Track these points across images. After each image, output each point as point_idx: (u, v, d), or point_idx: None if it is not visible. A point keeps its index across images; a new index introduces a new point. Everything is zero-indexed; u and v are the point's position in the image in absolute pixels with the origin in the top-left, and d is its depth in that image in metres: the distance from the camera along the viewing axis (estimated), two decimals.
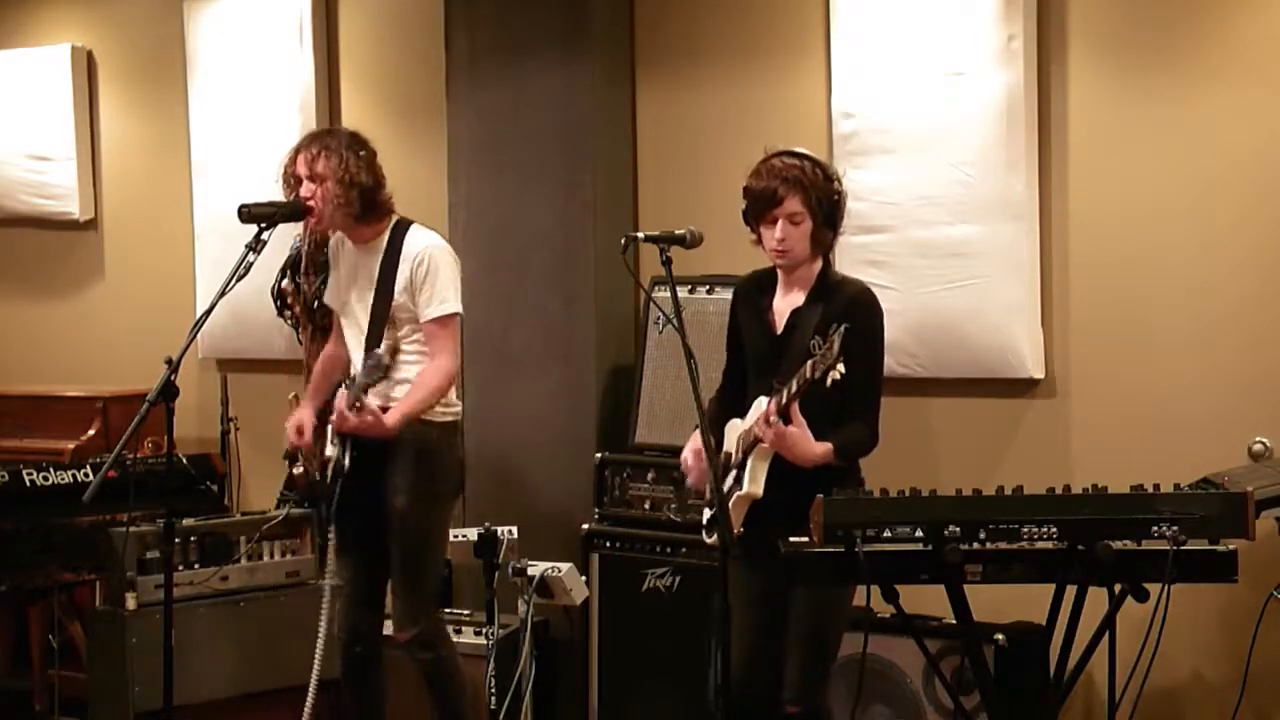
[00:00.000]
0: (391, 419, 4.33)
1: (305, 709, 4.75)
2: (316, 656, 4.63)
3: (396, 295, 4.43)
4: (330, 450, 4.51)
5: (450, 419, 4.54)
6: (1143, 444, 4.55)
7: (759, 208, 3.80)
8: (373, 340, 4.44)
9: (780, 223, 3.76)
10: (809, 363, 3.48)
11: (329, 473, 4.49)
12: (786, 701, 3.79)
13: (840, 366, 3.39)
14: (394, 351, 4.28)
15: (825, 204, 3.77)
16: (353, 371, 4.51)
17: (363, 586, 4.57)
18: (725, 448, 3.91)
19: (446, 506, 4.57)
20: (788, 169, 3.77)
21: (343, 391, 4.40)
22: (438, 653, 4.51)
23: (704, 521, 3.96)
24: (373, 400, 4.34)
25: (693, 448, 3.93)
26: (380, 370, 4.24)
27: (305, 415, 4.61)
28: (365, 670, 4.62)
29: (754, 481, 3.73)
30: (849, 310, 3.75)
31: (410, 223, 4.54)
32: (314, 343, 5.61)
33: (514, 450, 5.47)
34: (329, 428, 4.53)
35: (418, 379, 4.41)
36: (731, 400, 3.99)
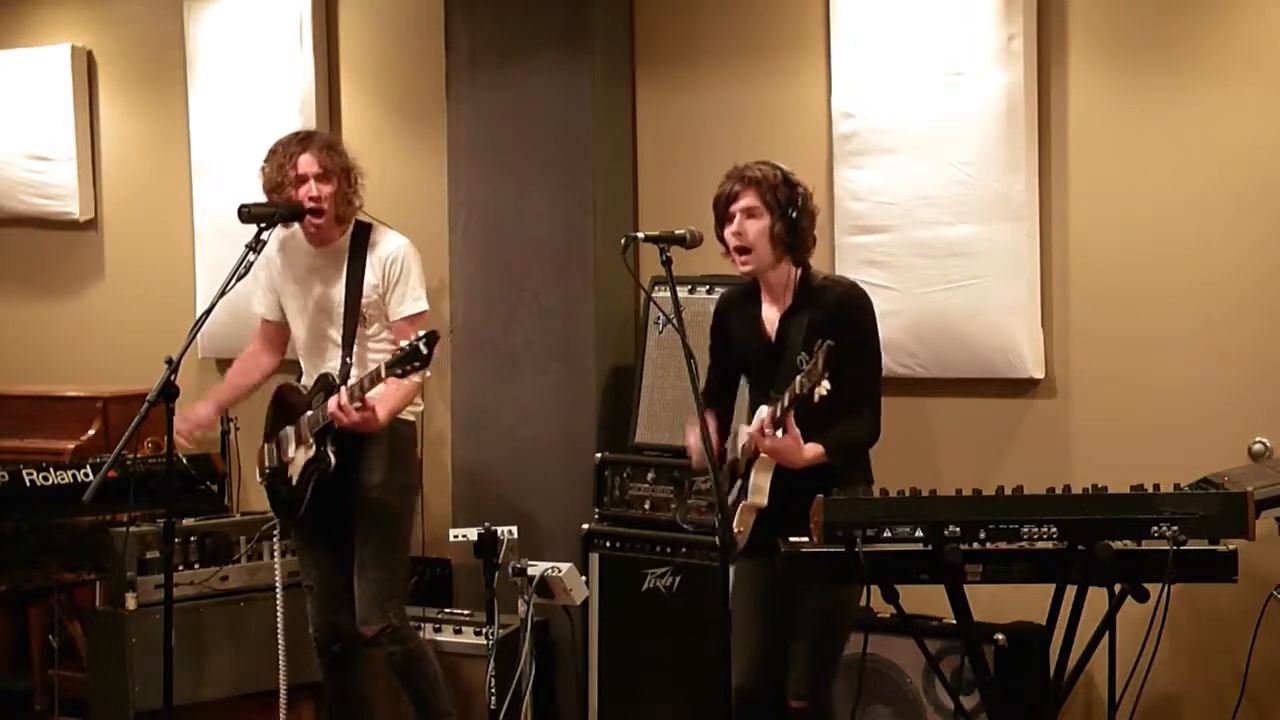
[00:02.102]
0: (382, 413, 4.37)
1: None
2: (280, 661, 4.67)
3: (367, 294, 4.51)
4: (294, 452, 4.51)
5: (413, 418, 4.66)
6: (1143, 444, 4.54)
7: (719, 210, 3.85)
8: (348, 339, 4.50)
9: (737, 218, 3.80)
10: (798, 378, 3.50)
11: (296, 474, 4.49)
12: (792, 697, 3.81)
13: (825, 384, 3.40)
14: (432, 339, 4.17)
15: (784, 203, 3.79)
16: (305, 373, 4.59)
17: (335, 584, 4.58)
18: (732, 454, 3.93)
19: (414, 503, 4.74)
20: (746, 169, 3.84)
21: (342, 390, 4.39)
22: (407, 645, 4.54)
23: (704, 529, 3.98)
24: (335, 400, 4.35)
25: (694, 435, 3.94)
26: (419, 357, 4.14)
27: (202, 409, 4.64)
28: (347, 668, 4.63)
29: (758, 492, 3.75)
30: (837, 312, 3.79)
31: (370, 224, 4.63)
32: None
33: (514, 450, 5.47)
34: (288, 431, 4.54)
35: None
36: (719, 407, 4.02)
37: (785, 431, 3.63)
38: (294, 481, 4.50)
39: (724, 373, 4.05)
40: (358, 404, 4.28)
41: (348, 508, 4.50)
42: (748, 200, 3.79)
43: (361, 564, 4.52)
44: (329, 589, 4.59)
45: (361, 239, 4.57)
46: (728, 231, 3.84)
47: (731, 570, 3.93)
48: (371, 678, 4.75)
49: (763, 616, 3.86)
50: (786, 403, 3.57)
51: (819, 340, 3.46)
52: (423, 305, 4.56)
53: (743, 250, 3.82)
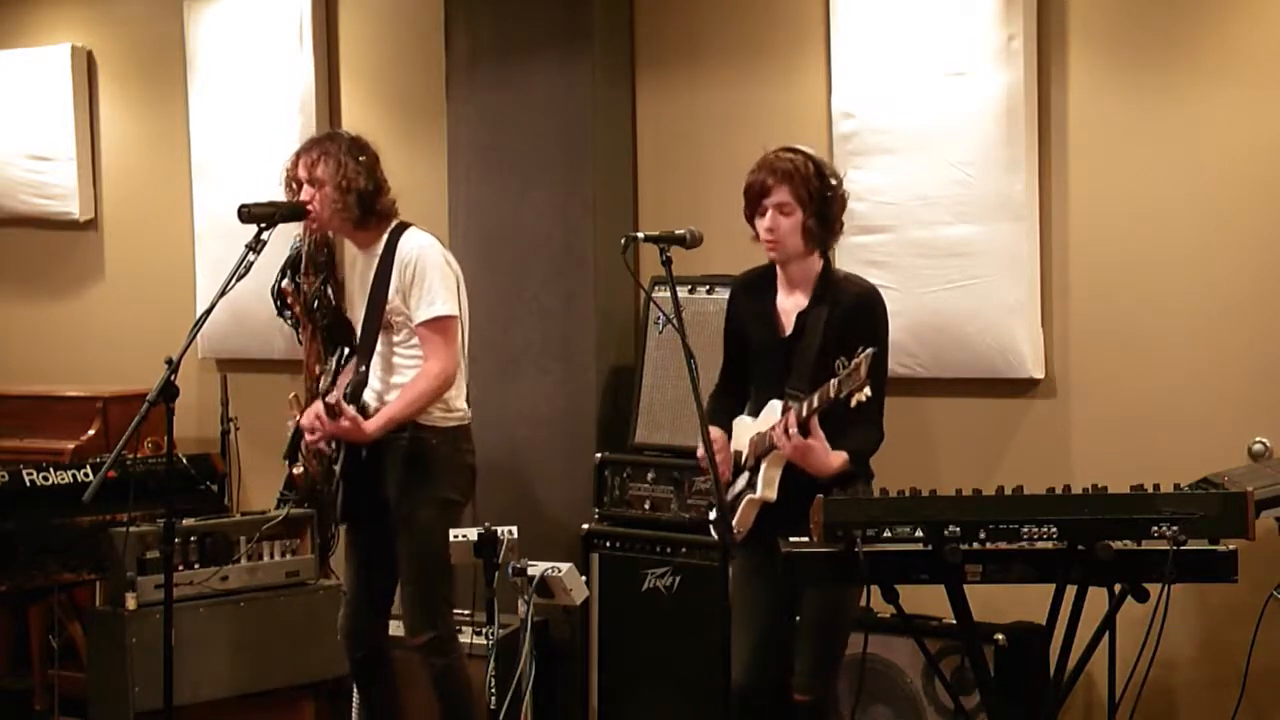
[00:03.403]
0: (372, 424, 4.33)
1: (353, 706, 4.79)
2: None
3: (390, 299, 4.40)
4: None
5: (454, 424, 4.51)
6: (1143, 444, 4.54)
7: (751, 200, 3.82)
8: (366, 345, 4.42)
9: (770, 213, 3.78)
10: (833, 382, 3.49)
11: (333, 480, 4.50)
12: (796, 690, 3.81)
13: (867, 390, 3.40)
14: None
15: (816, 197, 3.78)
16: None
17: (366, 591, 4.56)
18: (734, 445, 3.92)
19: (451, 512, 4.52)
20: (780, 161, 3.79)
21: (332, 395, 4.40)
22: (449, 658, 4.51)
23: (710, 519, 3.97)
24: (371, 401, 4.33)
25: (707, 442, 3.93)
26: (333, 414, 4.25)
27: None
28: (373, 673, 4.62)
29: (768, 486, 3.75)
30: (856, 314, 3.78)
31: (408, 226, 4.50)
32: (314, 342, 5.62)
33: (514, 450, 5.47)
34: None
35: (407, 385, 4.40)
36: (732, 397, 4.01)
37: (810, 434, 3.62)
38: (333, 486, 4.52)
39: (736, 361, 4.02)
40: (335, 413, 4.26)
41: (382, 519, 4.47)
42: (781, 195, 3.77)
43: (401, 578, 4.50)
44: (358, 595, 4.57)
45: (393, 243, 4.43)
46: (760, 226, 3.81)
47: (730, 565, 3.94)
48: (397, 683, 4.72)
49: (762, 612, 3.86)
50: (816, 404, 3.57)
51: (859, 346, 3.47)
52: (440, 309, 4.37)
53: (773, 242, 3.81)
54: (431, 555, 4.45)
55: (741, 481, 3.85)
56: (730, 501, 3.87)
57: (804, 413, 3.60)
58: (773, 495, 3.75)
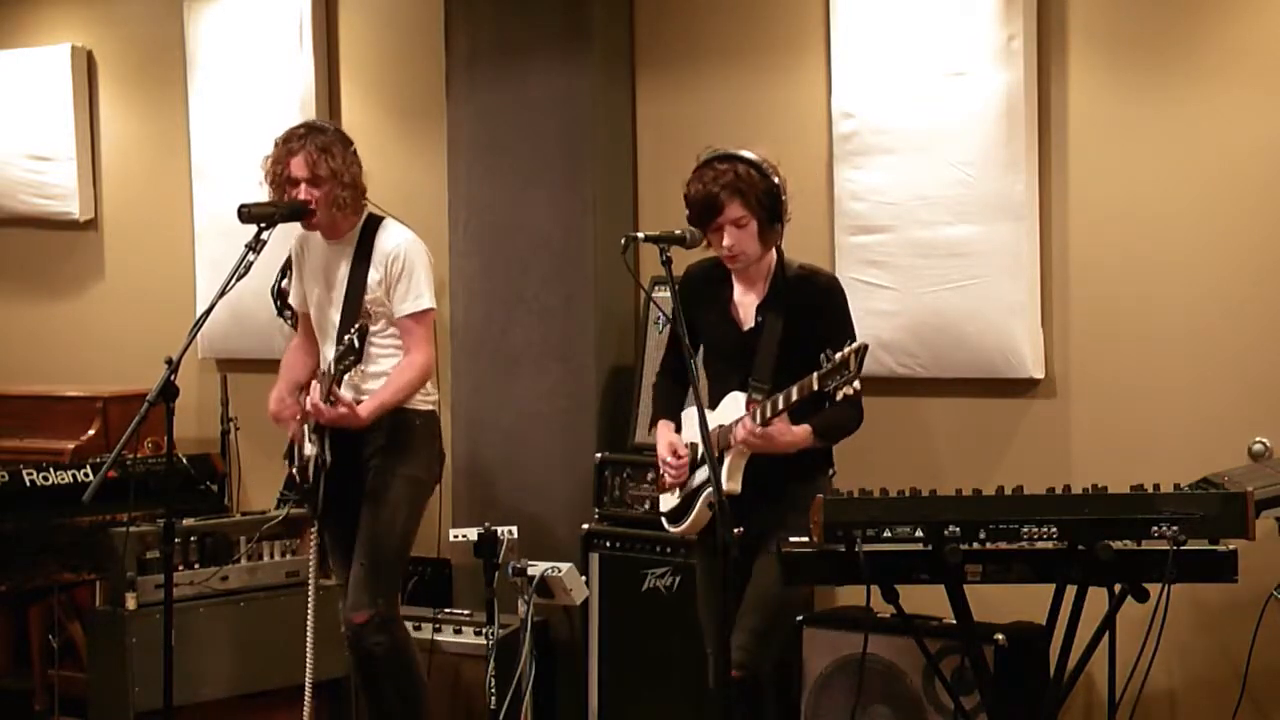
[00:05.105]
0: (365, 410, 4.34)
1: (304, 710, 4.76)
2: (308, 657, 4.64)
3: (370, 290, 4.44)
4: (309, 449, 4.51)
5: (429, 407, 4.57)
6: (1143, 444, 4.54)
7: (703, 216, 3.85)
8: (345, 333, 4.41)
9: (727, 229, 3.82)
10: (815, 375, 3.50)
11: (310, 472, 4.49)
12: (733, 665, 3.72)
13: (856, 384, 3.41)
14: (363, 332, 4.22)
15: (766, 201, 3.82)
16: (323, 366, 4.52)
17: None
18: (687, 437, 3.96)
19: (421, 495, 4.57)
20: (722, 175, 3.81)
21: (316, 385, 4.40)
22: (393, 636, 4.46)
23: (663, 511, 4.00)
24: (346, 393, 4.34)
25: (667, 440, 3.97)
26: (353, 352, 4.20)
27: (282, 388, 4.62)
28: (377, 665, 4.61)
29: (732, 479, 3.80)
30: (819, 305, 3.84)
31: (382, 217, 4.56)
32: None
33: (514, 450, 5.47)
34: (305, 426, 4.54)
35: (393, 373, 4.44)
36: (679, 385, 4.07)
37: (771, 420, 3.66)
38: (309, 478, 4.51)
39: (682, 352, 4.01)
40: (331, 400, 4.27)
41: (356, 505, 4.49)
42: (735, 211, 3.80)
43: (357, 550, 4.47)
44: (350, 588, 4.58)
45: (369, 233, 4.49)
46: (721, 243, 3.85)
47: (697, 568, 4.01)
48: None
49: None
50: (795, 397, 3.59)
51: (825, 337, 3.54)
52: (426, 303, 4.47)
53: (734, 256, 3.85)
54: (388, 531, 4.46)
55: (702, 474, 3.86)
56: (690, 494, 3.90)
57: (780, 405, 3.63)
58: (737, 487, 3.79)
